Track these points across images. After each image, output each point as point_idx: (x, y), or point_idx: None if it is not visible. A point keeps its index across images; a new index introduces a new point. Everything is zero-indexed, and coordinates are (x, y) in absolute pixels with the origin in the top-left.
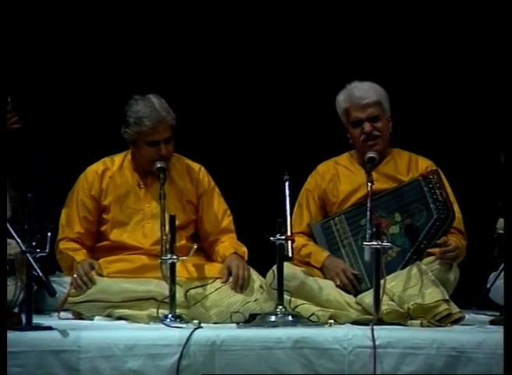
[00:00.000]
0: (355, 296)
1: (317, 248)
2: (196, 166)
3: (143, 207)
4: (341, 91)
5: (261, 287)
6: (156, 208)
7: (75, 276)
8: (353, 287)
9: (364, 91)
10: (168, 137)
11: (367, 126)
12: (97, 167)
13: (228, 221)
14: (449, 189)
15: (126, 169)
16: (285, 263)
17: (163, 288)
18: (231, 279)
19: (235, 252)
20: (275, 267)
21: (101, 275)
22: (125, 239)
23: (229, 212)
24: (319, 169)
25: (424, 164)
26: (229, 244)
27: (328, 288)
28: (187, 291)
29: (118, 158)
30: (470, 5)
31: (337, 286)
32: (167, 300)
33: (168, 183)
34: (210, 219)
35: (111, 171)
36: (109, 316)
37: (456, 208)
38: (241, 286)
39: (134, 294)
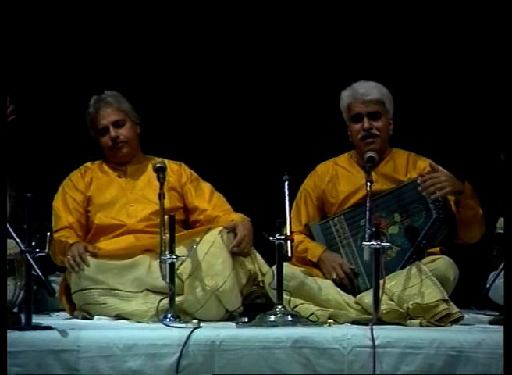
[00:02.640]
0: (353, 292)
1: (313, 243)
2: (176, 162)
3: (125, 193)
4: (346, 88)
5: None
6: (138, 194)
7: (69, 257)
8: (349, 281)
9: (367, 89)
10: (117, 120)
11: (366, 123)
12: (79, 170)
13: (221, 199)
14: None
15: (105, 166)
16: (284, 263)
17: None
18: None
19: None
20: (274, 267)
21: (95, 255)
22: (109, 220)
23: (217, 192)
24: (318, 169)
25: (422, 164)
26: (237, 215)
27: (328, 288)
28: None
29: (97, 161)
30: (468, 5)
31: (333, 280)
32: (162, 290)
33: (149, 175)
34: (202, 198)
35: (91, 169)
36: (108, 314)
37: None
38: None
39: (128, 275)
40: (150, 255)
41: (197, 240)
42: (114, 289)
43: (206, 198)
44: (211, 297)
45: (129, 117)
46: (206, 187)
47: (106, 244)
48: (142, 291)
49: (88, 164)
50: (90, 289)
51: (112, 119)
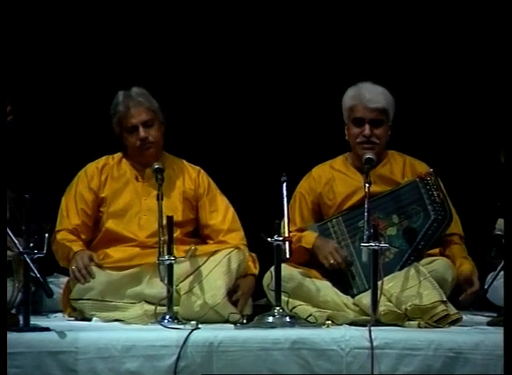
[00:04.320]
0: (352, 293)
1: (305, 232)
2: (195, 168)
3: (140, 200)
4: (352, 87)
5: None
6: (152, 202)
7: (73, 268)
8: (346, 265)
9: (375, 95)
10: (147, 120)
11: (367, 130)
12: (97, 163)
13: (235, 218)
14: (444, 192)
15: (124, 164)
16: (282, 264)
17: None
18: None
19: (253, 274)
20: (272, 268)
21: (99, 266)
22: (121, 230)
23: (232, 208)
24: (314, 172)
25: (419, 168)
26: (251, 263)
27: (326, 289)
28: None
29: (117, 155)
30: (466, 6)
31: (331, 265)
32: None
33: (165, 181)
34: (216, 217)
35: (109, 165)
36: (107, 317)
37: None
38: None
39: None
40: (153, 267)
41: (204, 259)
42: (111, 301)
43: (220, 217)
44: (209, 311)
45: (158, 117)
46: (221, 201)
47: (114, 252)
48: (140, 302)
49: (109, 158)
50: (88, 300)
51: (143, 118)
